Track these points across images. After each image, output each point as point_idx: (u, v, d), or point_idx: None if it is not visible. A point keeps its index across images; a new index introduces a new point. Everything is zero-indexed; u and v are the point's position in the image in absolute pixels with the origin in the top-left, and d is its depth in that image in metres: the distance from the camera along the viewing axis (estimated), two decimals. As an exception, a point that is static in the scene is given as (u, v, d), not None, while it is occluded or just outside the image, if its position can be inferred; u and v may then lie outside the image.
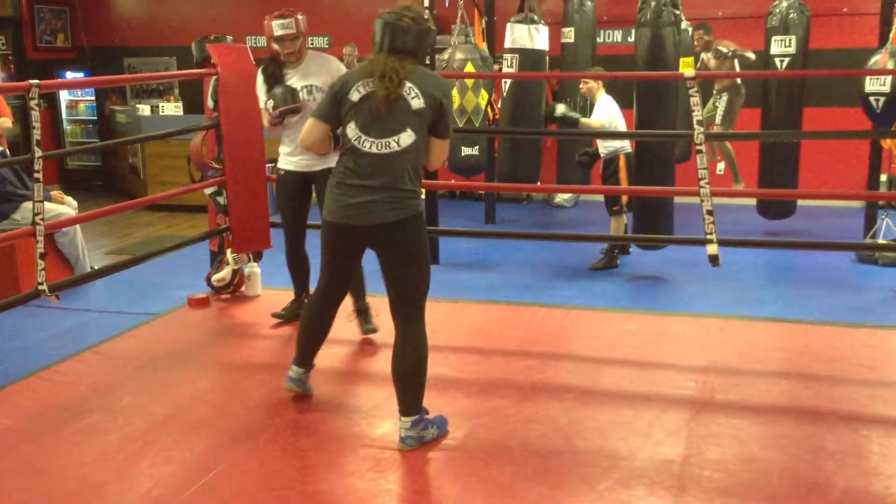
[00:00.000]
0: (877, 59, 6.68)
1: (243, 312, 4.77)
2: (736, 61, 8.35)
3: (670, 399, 3.49)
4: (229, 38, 5.20)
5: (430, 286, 3.07)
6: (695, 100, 4.56)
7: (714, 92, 8.38)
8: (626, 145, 6.51)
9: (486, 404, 3.44)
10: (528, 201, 9.60)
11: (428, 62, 3.28)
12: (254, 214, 4.82)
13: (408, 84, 2.95)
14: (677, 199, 6.53)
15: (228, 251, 4.93)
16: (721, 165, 8.84)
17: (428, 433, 3.09)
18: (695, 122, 4.54)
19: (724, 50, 8.35)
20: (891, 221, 6.67)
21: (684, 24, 6.75)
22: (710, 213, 4.46)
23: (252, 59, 4.84)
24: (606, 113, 6.52)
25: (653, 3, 6.25)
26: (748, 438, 3.10)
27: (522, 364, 3.90)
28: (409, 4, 3.05)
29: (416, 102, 2.95)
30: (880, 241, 6.70)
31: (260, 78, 4.25)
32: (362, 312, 4.24)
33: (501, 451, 3.03)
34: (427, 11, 3.35)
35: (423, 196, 3.33)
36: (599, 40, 8.96)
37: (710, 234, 4.45)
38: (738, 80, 8.32)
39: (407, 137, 2.96)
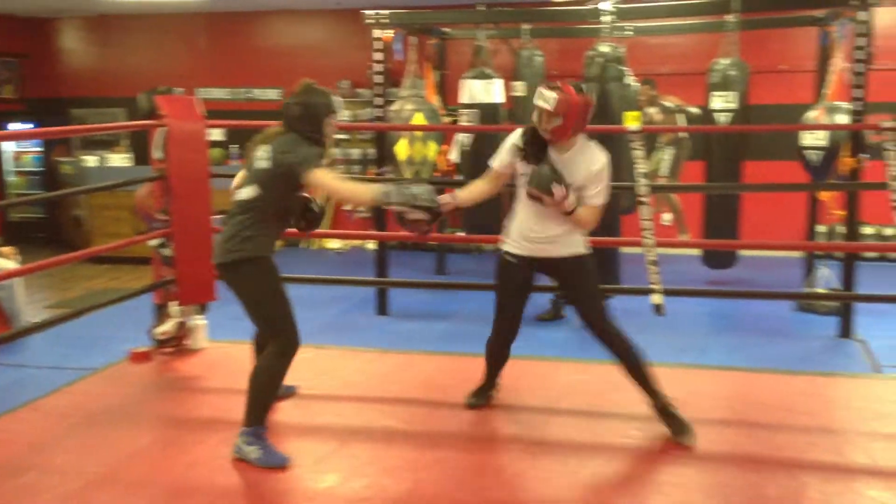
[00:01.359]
0: (814, 115, 6.92)
1: (187, 366, 4.69)
2: (681, 116, 8.57)
3: (616, 448, 3.50)
4: (179, 89, 5.20)
5: (276, 310, 3.38)
6: (638, 153, 4.67)
7: (660, 145, 8.58)
8: None
9: (432, 456, 3.41)
10: (477, 252, 9.66)
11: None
12: (199, 266, 4.77)
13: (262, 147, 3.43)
14: (623, 250, 6.64)
15: (173, 304, 4.86)
16: (668, 216, 9.00)
17: (249, 451, 3.29)
18: (638, 175, 4.64)
19: (669, 105, 8.57)
20: (829, 271, 6.84)
21: (630, 80, 6.92)
22: (653, 263, 4.54)
23: (201, 111, 4.84)
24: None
25: (597, 59, 6.43)
26: (692, 486, 3.12)
27: (470, 415, 3.89)
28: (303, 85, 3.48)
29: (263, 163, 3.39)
30: (819, 290, 6.86)
31: (514, 138, 3.61)
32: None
33: (447, 503, 3.00)
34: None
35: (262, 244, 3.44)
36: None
37: (655, 283, 4.52)
38: (683, 134, 8.53)
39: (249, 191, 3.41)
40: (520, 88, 8.04)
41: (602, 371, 4.63)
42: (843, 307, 6.18)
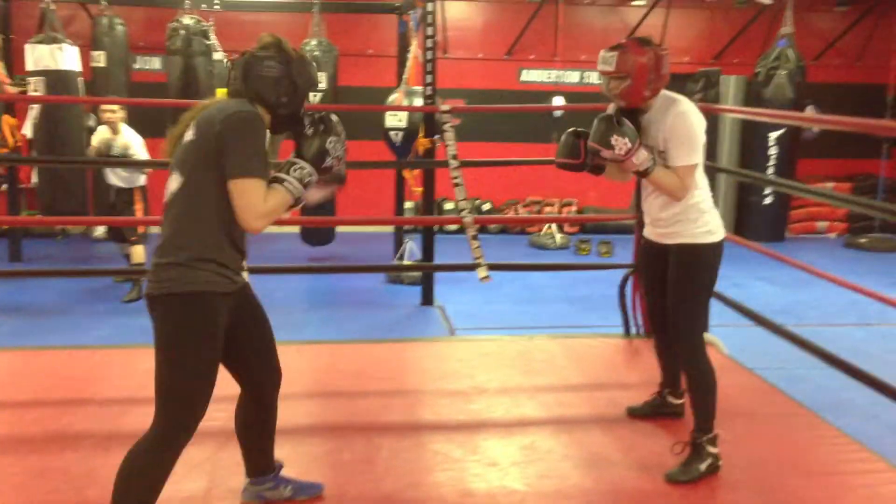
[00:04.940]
0: (394, 97, 7.37)
1: None
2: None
3: (198, 433, 3.41)
4: None
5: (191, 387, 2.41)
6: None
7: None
8: (143, 177, 6.42)
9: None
10: (63, 236, 8.87)
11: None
12: None
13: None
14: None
15: None
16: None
17: None
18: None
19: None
20: (414, 245, 7.37)
21: (219, 55, 6.79)
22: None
23: None
24: (139, 142, 6.29)
25: (182, 32, 6.20)
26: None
27: (35, 414, 3.54)
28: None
29: (188, 135, 2.42)
30: (406, 262, 7.37)
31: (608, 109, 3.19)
32: None
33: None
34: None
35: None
36: (136, 66, 8.66)
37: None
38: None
39: (173, 181, 2.41)
40: (100, 58, 7.47)
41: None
42: (424, 277, 6.70)
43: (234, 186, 2.32)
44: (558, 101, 9.90)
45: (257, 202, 2.33)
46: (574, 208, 10.06)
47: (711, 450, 3.09)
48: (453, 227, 9.45)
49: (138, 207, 6.37)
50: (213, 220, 2.37)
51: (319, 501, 2.90)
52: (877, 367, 3.55)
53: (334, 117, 2.57)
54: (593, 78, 10.12)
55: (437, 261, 6.54)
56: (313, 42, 7.64)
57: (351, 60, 8.77)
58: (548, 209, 9.96)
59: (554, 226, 9.46)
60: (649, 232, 3.30)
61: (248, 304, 2.61)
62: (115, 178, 6.37)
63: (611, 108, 3.17)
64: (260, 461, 2.83)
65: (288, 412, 3.54)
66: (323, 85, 7.59)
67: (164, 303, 2.37)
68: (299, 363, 4.37)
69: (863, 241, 9.74)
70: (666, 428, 3.48)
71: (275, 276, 6.57)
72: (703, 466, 3.07)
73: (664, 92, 3.12)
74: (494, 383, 4.07)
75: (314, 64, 2.60)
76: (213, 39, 6.79)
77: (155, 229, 7.80)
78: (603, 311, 5.61)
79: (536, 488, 3.02)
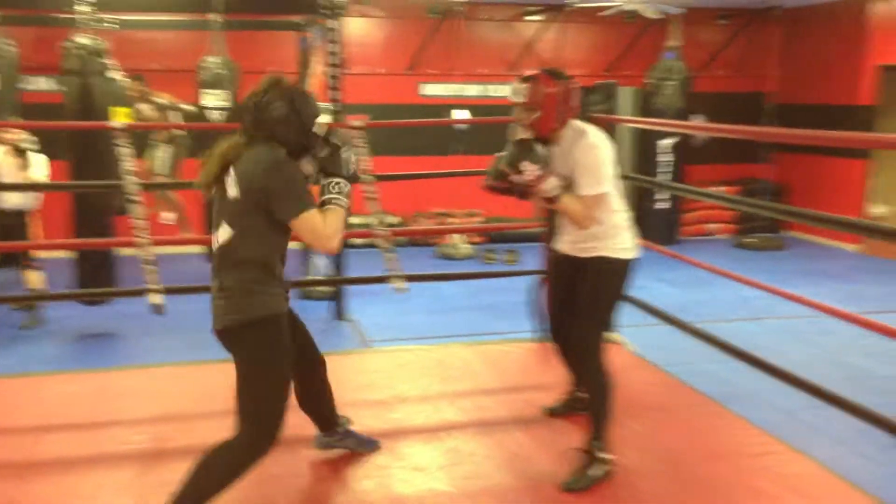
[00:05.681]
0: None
1: None
2: (175, 112, 8.47)
3: (119, 456, 3.37)
4: None
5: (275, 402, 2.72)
6: (125, 150, 4.51)
7: (154, 143, 8.39)
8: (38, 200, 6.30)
9: None
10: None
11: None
12: None
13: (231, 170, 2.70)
14: (125, 251, 6.39)
15: None
16: (170, 215, 8.86)
17: None
18: (126, 173, 4.49)
19: (162, 101, 8.43)
20: (318, 260, 7.36)
21: (116, 74, 6.65)
22: (149, 262, 4.44)
23: None
24: (44, 162, 6.17)
25: (76, 52, 6.06)
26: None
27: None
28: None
29: (231, 192, 2.68)
30: (315, 277, 7.36)
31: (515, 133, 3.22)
32: None
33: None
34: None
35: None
36: (27, 87, 8.39)
37: (152, 283, 4.42)
38: (179, 132, 8.45)
39: (223, 233, 2.72)
40: (-11, 80, 7.20)
41: (99, 379, 4.43)
42: (336, 291, 6.72)
43: (298, 224, 2.64)
44: (459, 114, 10.07)
45: (321, 228, 2.65)
46: (479, 219, 10.25)
47: (605, 456, 3.14)
48: (360, 241, 9.52)
49: (37, 232, 6.19)
50: (270, 256, 2.73)
51: (249, 516, 2.91)
52: (772, 357, 3.80)
53: (340, 130, 2.87)
54: (492, 91, 10.36)
55: (348, 275, 6.57)
56: (213, 59, 7.58)
57: (252, 78, 8.68)
58: (453, 221, 10.11)
59: (459, 237, 9.61)
60: (564, 246, 3.35)
61: (292, 313, 3.05)
62: (14, 200, 6.17)
63: (525, 133, 3.21)
64: (327, 420, 3.33)
65: (212, 429, 3.53)
66: (226, 103, 7.54)
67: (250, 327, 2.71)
68: (219, 381, 4.33)
69: (750, 241, 10.27)
70: (580, 424, 3.62)
71: (185, 296, 6.47)
72: (598, 472, 3.12)
73: (574, 123, 3.19)
74: (414, 392, 4.14)
75: (313, 96, 2.84)
76: (109, 58, 6.66)
77: (55, 254, 7.60)
78: (513, 317, 5.77)
79: (463, 489, 3.11)
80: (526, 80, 3.12)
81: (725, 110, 9.91)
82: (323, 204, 2.72)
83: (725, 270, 4.46)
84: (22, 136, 6.06)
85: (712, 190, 9.64)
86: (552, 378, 4.27)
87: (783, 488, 3.11)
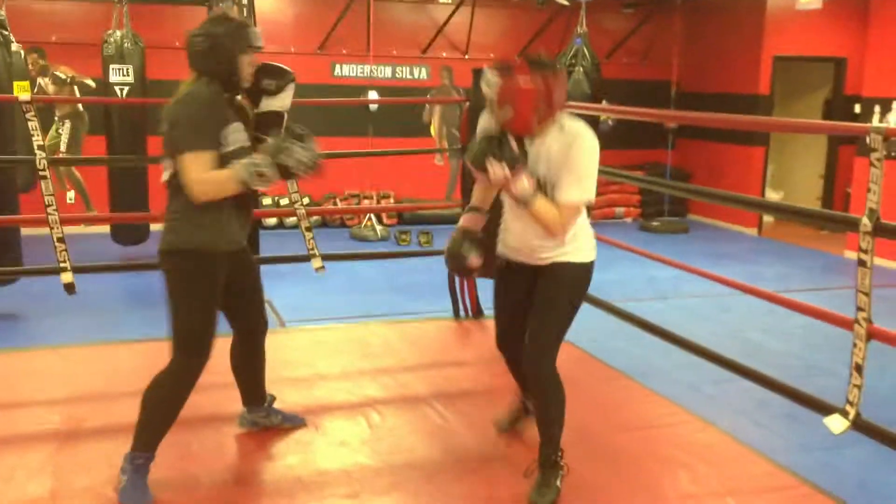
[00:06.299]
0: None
1: None
2: (76, 87, 8.19)
3: (32, 437, 3.29)
4: None
5: (193, 328, 2.84)
6: (33, 124, 4.36)
7: (56, 119, 8.10)
8: None
9: None
10: None
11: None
12: None
13: None
14: (25, 231, 6.17)
15: None
16: (71, 194, 8.57)
17: (121, 479, 2.80)
18: (35, 148, 4.34)
19: (62, 76, 8.13)
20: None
21: (16, 47, 6.39)
22: (60, 240, 4.32)
23: None
24: None
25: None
26: (117, 460, 3.08)
27: None
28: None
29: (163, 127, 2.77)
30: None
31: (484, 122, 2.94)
32: None
33: None
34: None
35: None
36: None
37: (63, 261, 4.31)
38: (80, 107, 8.17)
39: (165, 171, 2.81)
40: None
41: (8, 360, 4.29)
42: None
43: (180, 161, 2.67)
44: (372, 95, 10.06)
45: (195, 173, 2.65)
46: (392, 200, 10.27)
47: (561, 461, 2.96)
48: (271, 221, 9.42)
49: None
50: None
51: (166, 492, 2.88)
52: (678, 333, 3.99)
53: (300, 130, 2.85)
54: (405, 73, 10.38)
55: (261, 255, 6.50)
56: (117, 33, 7.36)
57: (158, 52, 8.48)
58: (366, 202, 10.10)
59: (374, 218, 9.62)
60: (514, 253, 3.01)
61: (244, 263, 3.04)
62: None
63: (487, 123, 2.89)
64: (255, 393, 3.32)
65: (128, 409, 3.48)
66: (130, 79, 7.33)
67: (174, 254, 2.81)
68: (130, 361, 4.27)
69: (655, 224, 10.63)
70: (502, 398, 3.71)
71: (88, 275, 6.31)
72: (558, 481, 2.93)
73: (562, 118, 2.81)
74: (334, 369, 4.17)
75: (250, 25, 2.84)
76: (9, 30, 6.39)
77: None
78: (429, 297, 5.84)
79: (388, 462, 3.16)
80: (499, 71, 2.73)
81: (633, 97, 10.16)
82: (226, 159, 2.72)
83: (637, 248, 4.63)
84: None
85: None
86: (472, 355, 4.38)
87: (693, 456, 3.27)
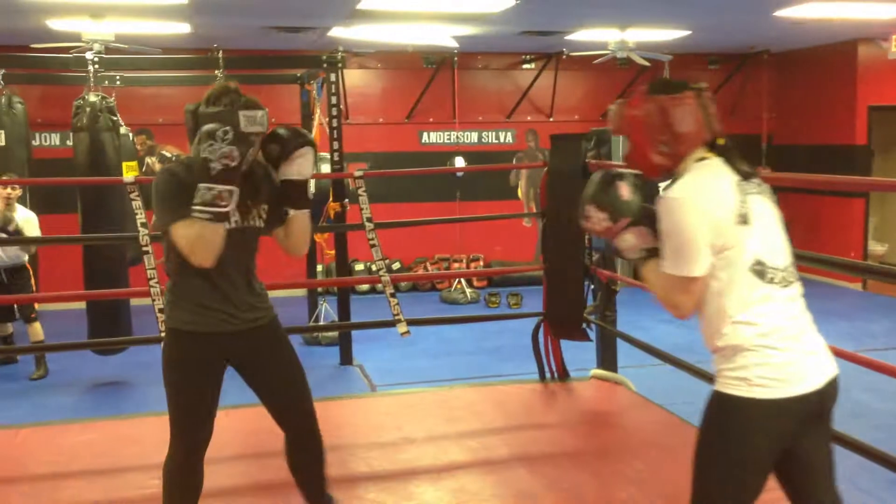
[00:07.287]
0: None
1: None
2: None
3: (137, 500, 3.45)
4: None
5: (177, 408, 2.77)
6: (136, 203, 4.65)
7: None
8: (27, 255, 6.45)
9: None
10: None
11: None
12: None
13: None
14: (134, 302, 6.51)
15: None
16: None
17: None
18: (139, 225, 4.62)
19: (168, 154, 8.64)
20: (329, 306, 7.50)
21: (124, 130, 6.84)
22: (161, 311, 4.55)
23: None
24: (34, 219, 6.38)
25: (88, 109, 6.24)
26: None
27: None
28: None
29: None
30: (321, 323, 7.48)
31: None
32: None
33: None
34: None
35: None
36: (35, 143, 8.58)
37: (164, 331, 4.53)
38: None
39: None
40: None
41: (113, 427, 4.51)
42: (342, 337, 6.82)
43: (172, 238, 2.53)
44: (459, 161, 10.27)
45: (182, 243, 2.48)
46: (481, 263, 10.37)
47: None
48: (364, 287, 9.64)
49: (33, 283, 6.34)
50: (181, 266, 2.59)
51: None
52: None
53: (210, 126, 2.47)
54: (490, 138, 10.58)
55: (353, 320, 6.67)
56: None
57: (255, 130, 8.89)
58: (456, 265, 10.24)
59: (463, 281, 9.74)
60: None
61: (263, 344, 2.84)
62: (2, 255, 6.33)
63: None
64: (314, 495, 3.02)
65: (223, 474, 3.63)
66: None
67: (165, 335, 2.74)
68: (228, 426, 4.42)
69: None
70: (587, 461, 3.71)
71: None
72: None
73: (694, 159, 2.20)
74: (421, 433, 4.22)
75: (244, 106, 2.52)
76: (118, 115, 6.86)
77: (49, 307, 7.69)
78: (517, 359, 5.86)
79: (471, 526, 3.18)
80: (620, 99, 2.31)
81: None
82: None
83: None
84: (17, 193, 6.27)
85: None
86: (556, 418, 4.37)
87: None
